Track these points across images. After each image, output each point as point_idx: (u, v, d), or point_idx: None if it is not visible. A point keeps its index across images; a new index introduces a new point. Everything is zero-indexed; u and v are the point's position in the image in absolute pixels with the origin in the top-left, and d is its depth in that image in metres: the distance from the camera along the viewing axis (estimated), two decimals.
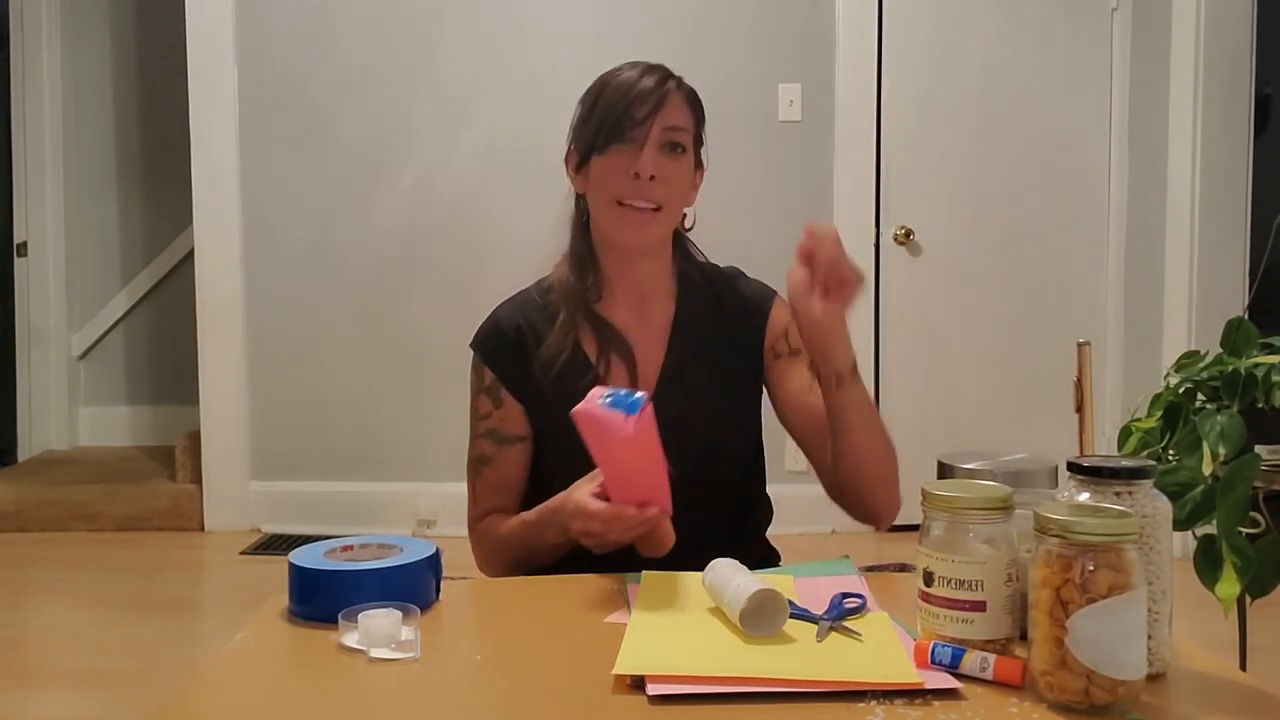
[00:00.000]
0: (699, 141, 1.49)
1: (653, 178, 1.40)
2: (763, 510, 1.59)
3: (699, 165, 1.50)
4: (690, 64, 1.50)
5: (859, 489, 1.41)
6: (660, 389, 1.46)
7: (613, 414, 1.19)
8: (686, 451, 1.43)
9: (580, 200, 1.50)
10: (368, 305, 4.00)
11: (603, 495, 1.26)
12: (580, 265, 1.49)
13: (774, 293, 1.54)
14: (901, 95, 3.93)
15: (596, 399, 1.21)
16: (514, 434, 1.49)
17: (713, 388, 1.48)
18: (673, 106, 1.42)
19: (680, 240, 1.54)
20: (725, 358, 1.50)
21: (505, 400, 1.48)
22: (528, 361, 1.47)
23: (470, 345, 1.52)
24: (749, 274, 1.59)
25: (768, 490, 1.60)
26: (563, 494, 1.35)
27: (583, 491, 1.29)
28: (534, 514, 1.42)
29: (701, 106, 1.48)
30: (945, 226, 3.97)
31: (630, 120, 1.40)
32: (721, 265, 1.58)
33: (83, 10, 4.83)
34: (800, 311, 1.29)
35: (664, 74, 1.44)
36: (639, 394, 1.21)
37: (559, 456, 1.44)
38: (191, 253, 4.14)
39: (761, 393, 1.52)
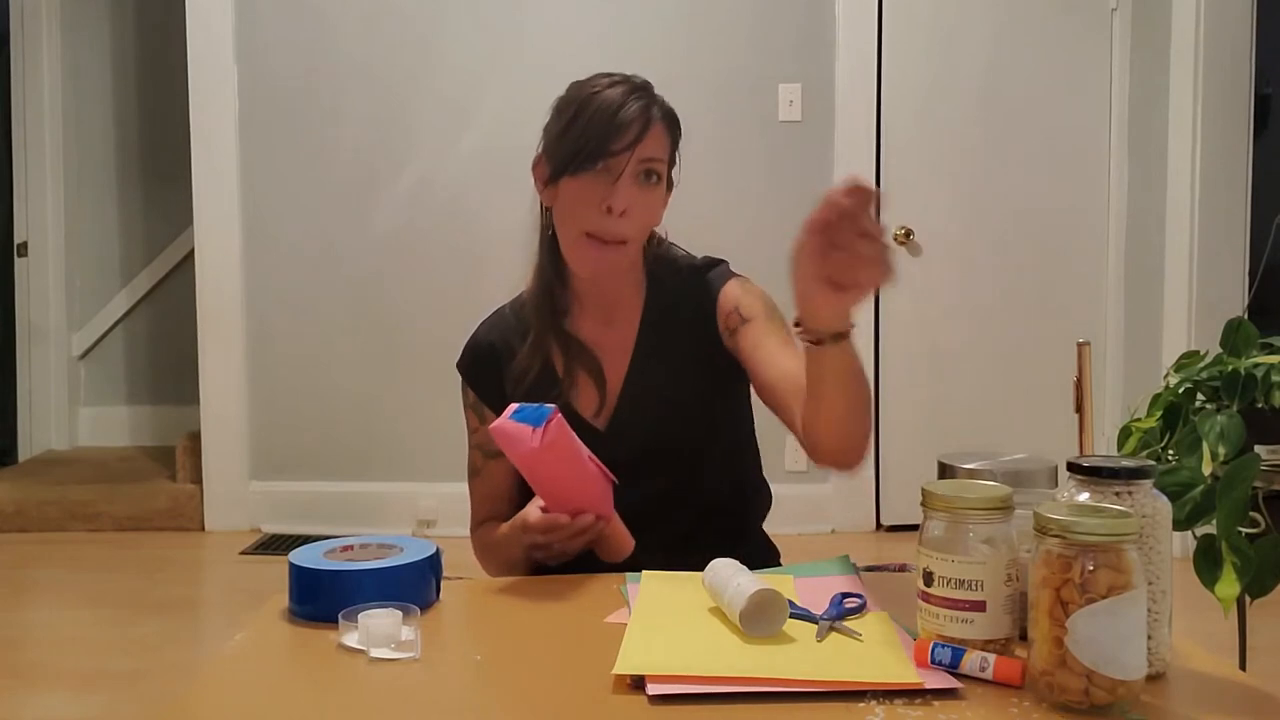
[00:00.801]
0: (673, 163, 1.45)
1: (624, 212, 1.36)
2: (760, 499, 1.58)
3: (670, 185, 1.46)
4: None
5: (827, 446, 1.27)
6: (626, 394, 1.47)
7: (520, 428, 1.22)
8: (666, 451, 1.44)
9: (547, 212, 1.47)
10: (368, 305, 4.00)
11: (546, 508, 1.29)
12: (548, 282, 1.48)
13: (729, 277, 1.49)
14: (901, 95, 3.93)
15: (508, 414, 1.24)
16: (497, 449, 1.49)
17: (684, 385, 1.47)
18: (653, 137, 1.38)
19: (652, 238, 1.50)
20: (693, 352, 1.47)
21: (487, 416, 1.50)
22: (502, 379, 1.50)
23: (456, 365, 1.56)
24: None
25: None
26: (522, 510, 1.37)
27: (531, 506, 1.32)
28: (506, 527, 1.44)
29: (679, 126, 1.44)
30: (945, 226, 3.97)
31: (608, 151, 1.35)
32: (700, 259, 1.54)
33: (83, 10, 4.83)
34: (801, 296, 1.08)
35: (647, 100, 1.39)
36: (548, 406, 1.23)
37: None
38: (191, 253, 4.15)
39: (739, 378, 1.46)
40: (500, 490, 1.52)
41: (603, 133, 1.35)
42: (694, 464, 1.46)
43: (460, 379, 1.56)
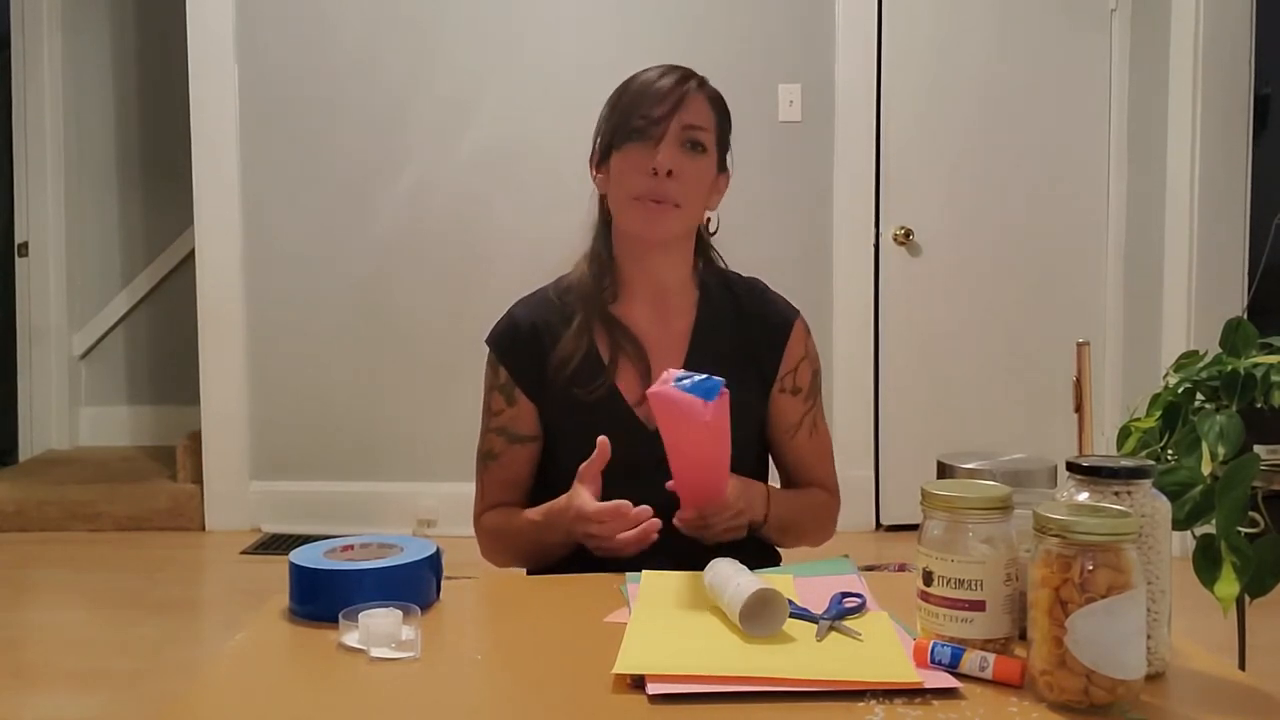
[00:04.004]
0: (724, 145, 1.50)
1: (670, 174, 1.40)
2: None
3: (724, 168, 1.51)
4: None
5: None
6: None
7: (690, 399, 1.17)
8: None
9: (603, 201, 1.50)
10: (368, 305, 4.00)
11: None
12: (598, 265, 1.49)
13: (796, 314, 1.55)
14: (901, 95, 3.93)
15: (671, 380, 1.20)
16: (524, 433, 1.49)
17: (738, 388, 1.48)
18: (693, 105, 1.43)
19: (703, 246, 1.55)
20: (741, 366, 1.49)
21: (518, 399, 1.48)
22: (543, 361, 1.47)
23: (486, 341, 1.52)
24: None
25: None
26: (566, 496, 1.36)
27: (583, 497, 1.31)
28: (540, 514, 1.43)
29: (726, 109, 1.49)
30: (945, 226, 3.97)
31: (648, 118, 1.40)
32: (744, 275, 1.59)
33: (83, 10, 4.83)
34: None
35: (685, 74, 1.46)
36: (716, 378, 1.20)
37: (568, 457, 1.45)
38: (191, 253, 4.15)
39: (766, 401, 1.52)
40: (518, 477, 1.50)
41: (642, 105, 1.42)
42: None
43: (488, 357, 1.52)
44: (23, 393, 4.78)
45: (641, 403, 1.45)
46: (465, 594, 1.25)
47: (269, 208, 4.00)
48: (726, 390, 1.20)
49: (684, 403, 1.18)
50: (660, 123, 1.40)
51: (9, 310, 4.75)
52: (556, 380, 1.46)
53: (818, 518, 1.54)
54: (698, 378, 1.19)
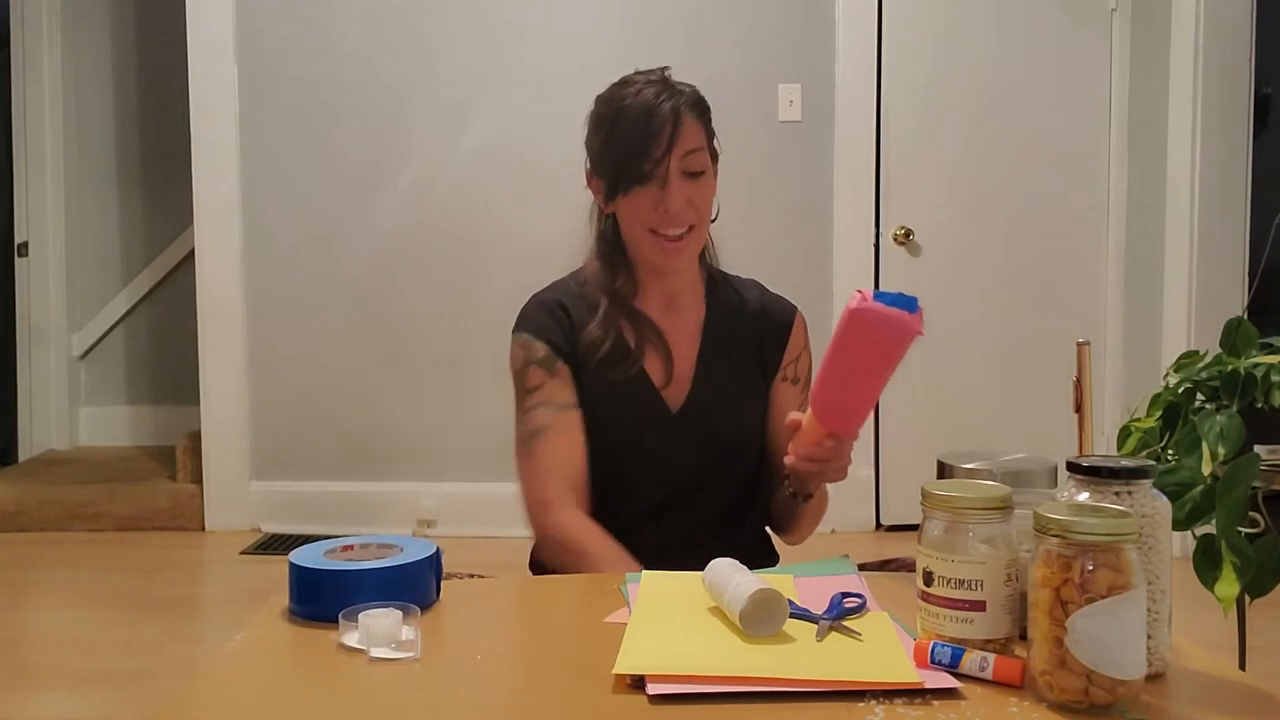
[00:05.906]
0: (711, 136, 1.51)
1: (682, 205, 1.43)
2: (767, 492, 1.61)
3: (715, 158, 1.52)
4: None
5: (785, 538, 1.60)
6: (695, 384, 1.51)
7: (902, 314, 1.13)
8: (712, 442, 1.49)
9: (609, 215, 1.52)
10: (368, 305, 4.00)
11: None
12: (612, 266, 1.52)
13: (796, 310, 1.60)
14: (901, 95, 3.93)
15: (865, 300, 1.14)
16: (569, 401, 1.48)
17: (736, 385, 1.54)
18: (687, 132, 1.42)
19: (705, 245, 1.58)
20: (746, 359, 1.55)
21: (559, 369, 1.48)
22: (575, 338, 1.49)
23: (514, 328, 1.53)
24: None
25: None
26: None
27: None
28: (605, 548, 1.39)
29: (708, 108, 1.49)
30: (945, 226, 3.97)
31: (649, 159, 1.41)
32: (740, 276, 1.64)
33: (83, 10, 4.83)
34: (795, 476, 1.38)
35: (670, 94, 1.43)
36: (908, 295, 1.16)
37: (599, 438, 1.47)
38: (191, 253, 4.15)
39: (769, 391, 1.57)
40: (572, 450, 1.46)
41: (640, 144, 1.41)
42: (730, 451, 1.52)
43: (518, 340, 1.51)
44: (22, 393, 4.78)
45: (666, 385, 1.49)
46: (465, 594, 1.25)
47: (269, 208, 4.00)
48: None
49: (896, 319, 1.13)
50: (662, 161, 1.41)
51: (9, 310, 4.75)
52: (589, 362, 1.48)
53: (823, 507, 1.56)
54: (892, 294, 1.14)
